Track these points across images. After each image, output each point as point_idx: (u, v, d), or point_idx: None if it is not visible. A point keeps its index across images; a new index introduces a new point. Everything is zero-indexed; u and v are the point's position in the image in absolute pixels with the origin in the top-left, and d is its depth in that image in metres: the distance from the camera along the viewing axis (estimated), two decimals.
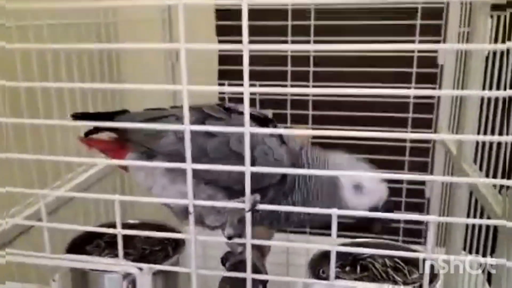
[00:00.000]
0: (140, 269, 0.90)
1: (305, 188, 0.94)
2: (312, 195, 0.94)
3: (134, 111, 1.09)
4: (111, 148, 1.08)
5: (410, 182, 1.98)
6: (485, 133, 1.40)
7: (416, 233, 2.03)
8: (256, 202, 0.79)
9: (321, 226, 0.95)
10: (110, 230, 0.89)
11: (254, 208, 0.79)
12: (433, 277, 0.91)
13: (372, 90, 0.70)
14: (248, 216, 0.80)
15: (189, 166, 0.80)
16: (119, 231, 0.88)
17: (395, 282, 0.98)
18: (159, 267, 0.91)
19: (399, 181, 1.98)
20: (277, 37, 1.86)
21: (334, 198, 0.91)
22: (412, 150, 1.97)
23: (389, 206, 0.92)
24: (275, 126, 1.03)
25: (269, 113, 1.05)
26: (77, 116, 1.04)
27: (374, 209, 0.90)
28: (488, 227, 1.33)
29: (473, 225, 1.46)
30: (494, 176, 1.28)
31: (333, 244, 0.79)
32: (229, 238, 0.85)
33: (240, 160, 0.90)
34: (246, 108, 0.75)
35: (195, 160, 0.85)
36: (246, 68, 0.73)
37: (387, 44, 0.67)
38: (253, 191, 0.78)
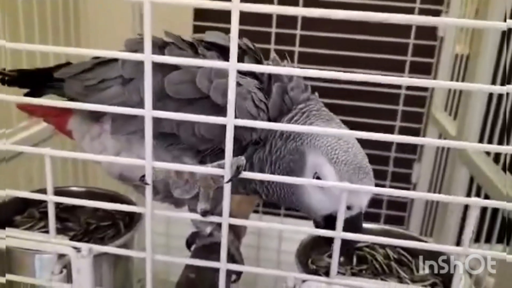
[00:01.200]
0: (78, 249, 0.68)
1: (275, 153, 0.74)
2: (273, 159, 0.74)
3: (79, 62, 0.86)
4: (53, 113, 0.89)
5: (396, 165, 1.83)
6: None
7: (399, 220, 1.89)
8: (240, 167, 0.57)
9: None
10: (38, 196, 0.66)
11: (238, 175, 0.57)
12: (451, 277, 0.72)
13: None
14: (228, 187, 0.58)
15: (148, 113, 0.57)
16: (50, 198, 0.65)
17: (399, 279, 0.80)
18: (102, 248, 0.68)
19: (385, 163, 1.82)
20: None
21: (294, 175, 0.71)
22: (401, 130, 1.80)
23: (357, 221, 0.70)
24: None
25: None
26: (12, 78, 0.84)
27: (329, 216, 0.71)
28: (493, 216, 1.17)
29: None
30: (504, 166, 1.11)
31: (339, 231, 0.59)
32: (204, 214, 0.63)
33: (211, 107, 0.69)
34: (233, 36, 0.53)
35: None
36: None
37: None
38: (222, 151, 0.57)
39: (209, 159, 0.73)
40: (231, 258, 0.87)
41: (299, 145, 0.72)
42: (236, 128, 0.55)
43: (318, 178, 0.70)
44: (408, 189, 1.87)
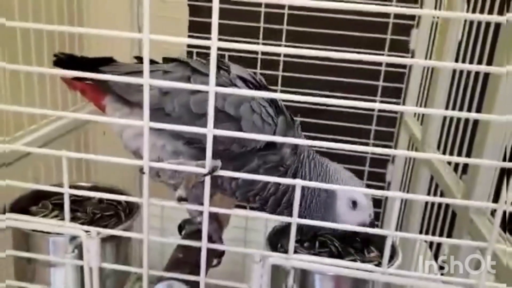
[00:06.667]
0: (87, 232, 0.84)
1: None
2: (307, 198, 0.92)
3: (120, 62, 1.06)
4: (91, 89, 1.05)
5: (372, 165, 1.99)
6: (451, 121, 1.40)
7: (375, 217, 2.04)
8: (215, 167, 0.74)
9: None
10: (55, 189, 0.82)
11: (212, 173, 0.74)
12: (393, 255, 0.89)
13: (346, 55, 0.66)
14: (207, 181, 0.75)
15: (146, 123, 0.74)
16: (66, 190, 0.81)
17: (353, 260, 0.96)
18: (108, 231, 0.85)
19: (362, 164, 1.99)
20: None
21: (330, 208, 0.91)
22: (376, 134, 1.97)
23: (373, 224, 0.94)
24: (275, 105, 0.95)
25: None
26: (61, 60, 1.02)
27: (361, 225, 0.91)
28: (445, 214, 1.34)
29: (431, 211, 1.47)
30: (456, 164, 1.28)
31: (295, 217, 0.75)
32: (179, 200, 0.80)
33: (226, 117, 0.86)
34: (212, 64, 0.69)
35: (179, 117, 0.88)
36: (215, 20, 0.67)
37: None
38: (236, 155, 0.78)
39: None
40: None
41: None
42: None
43: (353, 202, 0.92)
44: (382, 187, 2.04)
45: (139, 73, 0.95)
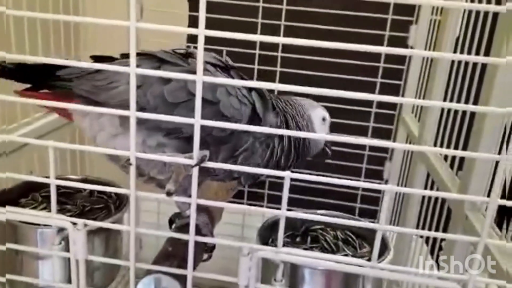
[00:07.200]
0: (74, 224, 0.82)
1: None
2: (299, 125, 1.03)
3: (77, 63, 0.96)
4: (50, 97, 0.97)
5: (370, 163, 1.98)
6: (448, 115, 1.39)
7: (372, 215, 2.04)
8: (204, 157, 0.73)
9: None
10: (42, 179, 0.81)
11: (201, 163, 0.72)
12: (384, 250, 0.88)
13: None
14: (195, 172, 0.73)
15: (132, 113, 0.72)
16: (53, 181, 0.80)
17: (345, 255, 0.95)
18: (94, 223, 0.83)
19: (359, 161, 1.97)
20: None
21: (310, 128, 1.05)
22: (374, 131, 1.95)
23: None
24: (240, 75, 0.97)
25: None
26: (5, 69, 0.90)
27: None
28: (441, 210, 1.33)
29: (427, 207, 1.46)
30: (453, 161, 1.27)
31: (284, 208, 0.74)
32: (168, 194, 0.79)
33: (204, 103, 0.84)
34: (199, 54, 0.68)
35: (155, 108, 0.85)
36: (202, 10, 0.65)
37: None
38: (225, 138, 0.80)
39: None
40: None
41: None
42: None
43: (323, 119, 1.08)
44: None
45: (101, 71, 0.92)
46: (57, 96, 0.96)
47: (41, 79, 0.95)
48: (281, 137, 0.98)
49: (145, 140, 0.90)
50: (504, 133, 0.94)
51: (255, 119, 0.92)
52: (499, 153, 0.67)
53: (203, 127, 0.70)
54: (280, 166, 1.00)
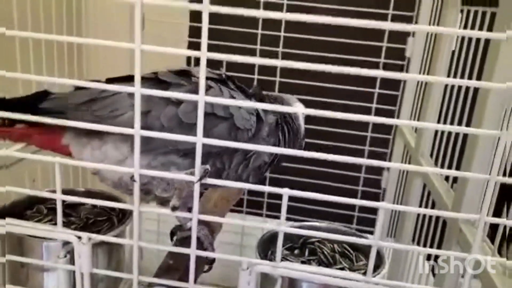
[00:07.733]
0: (79, 238, 0.85)
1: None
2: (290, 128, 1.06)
3: (59, 93, 0.92)
4: (40, 132, 0.92)
5: (368, 172, 2.01)
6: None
7: (370, 223, 2.06)
8: (206, 173, 0.75)
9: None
10: (48, 194, 0.83)
11: (201, 180, 0.75)
12: (380, 264, 0.90)
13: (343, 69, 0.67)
14: (197, 188, 0.76)
15: (137, 132, 0.75)
16: (59, 197, 0.83)
17: (341, 268, 0.97)
18: (99, 237, 0.86)
19: (358, 170, 2.00)
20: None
21: (296, 124, 1.08)
22: (372, 141, 1.98)
23: None
24: (236, 84, 1.00)
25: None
26: None
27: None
28: (437, 221, 1.36)
29: (423, 218, 1.49)
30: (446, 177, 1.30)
31: (282, 224, 0.77)
32: (173, 209, 0.81)
33: (215, 119, 0.89)
34: (202, 75, 0.70)
35: (169, 131, 0.80)
36: (205, 33, 0.68)
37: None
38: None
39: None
40: (205, 251, 1.04)
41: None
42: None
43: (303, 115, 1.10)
44: (378, 194, 2.05)
45: (95, 100, 0.90)
46: (47, 131, 0.91)
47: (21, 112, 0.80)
48: (282, 133, 1.02)
49: (155, 161, 0.90)
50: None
51: (259, 122, 0.97)
52: (491, 171, 0.69)
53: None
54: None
